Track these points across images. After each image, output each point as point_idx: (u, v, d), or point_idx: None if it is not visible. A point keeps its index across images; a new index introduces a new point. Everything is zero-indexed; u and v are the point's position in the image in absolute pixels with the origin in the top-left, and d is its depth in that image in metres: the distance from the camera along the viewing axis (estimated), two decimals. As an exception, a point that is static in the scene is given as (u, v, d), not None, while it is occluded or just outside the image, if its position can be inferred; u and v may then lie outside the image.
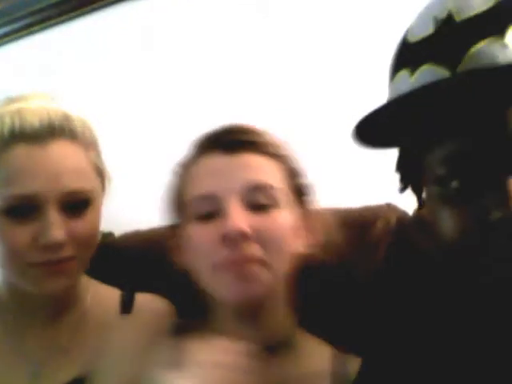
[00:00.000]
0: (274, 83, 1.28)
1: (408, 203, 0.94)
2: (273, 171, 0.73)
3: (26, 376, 0.81)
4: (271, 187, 0.71)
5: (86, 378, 0.77)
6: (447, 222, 0.59)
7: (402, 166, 0.67)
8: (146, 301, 0.87)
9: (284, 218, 0.71)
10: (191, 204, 0.72)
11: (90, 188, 0.79)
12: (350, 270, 0.86)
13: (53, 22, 1.59)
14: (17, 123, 0.75)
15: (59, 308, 0.84)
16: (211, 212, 0.70)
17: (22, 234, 0.74)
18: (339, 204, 0.96)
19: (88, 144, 0.80)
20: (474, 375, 0.60)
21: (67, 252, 0.76)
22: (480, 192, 0.56)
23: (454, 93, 0.55)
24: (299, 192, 0.76)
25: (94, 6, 1.52)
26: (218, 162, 0.72)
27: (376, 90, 1.13)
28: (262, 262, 0.68)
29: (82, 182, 0.78)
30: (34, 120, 0.75)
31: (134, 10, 1.47)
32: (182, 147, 1.34)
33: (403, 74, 0.60)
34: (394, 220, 0.91)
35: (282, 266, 0.70)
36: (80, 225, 0.77)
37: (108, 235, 1.09)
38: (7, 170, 0.75)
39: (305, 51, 1.25)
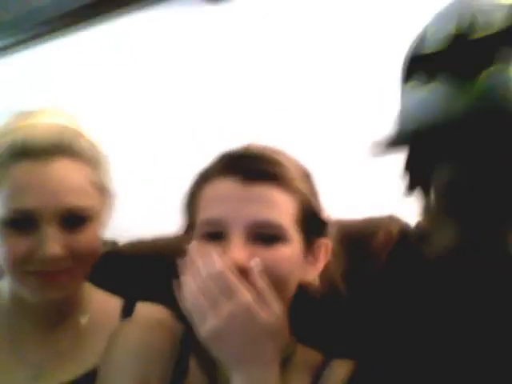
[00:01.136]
0: (280, 91, 1.29)
1: (410, 215, 0.95)
2: (285, 207, 0.73)
3: (25, 380, 0.83)
4: (280, 226, 0.72)
5: (86, 381, 0.81)
6: (446, 234, 0.60)
7: (409, 168, 0.68)
8: (145, 309, 0.88)
9: (288, 253, 0.72)
10: (199, 225, 0.74)
11: (90, 206, 0.82)
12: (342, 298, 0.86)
13: (59, 32, 1.61)
14: (22, 140, 0.79)
15: (60, 315, 0.87)
16: (216, 234, 0.72)
17: (22, 245, 0.78)
18: (341, 215, 0.97)
19: (91, 162, 0.83)
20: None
21: (64, 265, 0.79)
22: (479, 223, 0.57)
23: (466, 128, 0.55)
24: (311, 225, 0.77)
25: (100, 17, 1.55)
26: (231, 188, 0.72)
27: (379, 94, 1.15)
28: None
29: (81, 200, 0.80)
30: (38, 138, 0.79)
31: (140, 20, 1.50)
32: (185, 157, 1.36)
33: (416, 84, 0.60)
34: (395, 231, 0.92)
35: (281, 296, 0.72)
36: (79, 239, 0.80)
37: (112, 244, 1.10)
38: (12, 184, 0.79)
39: (306, 55, 1.27)
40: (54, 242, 0.77)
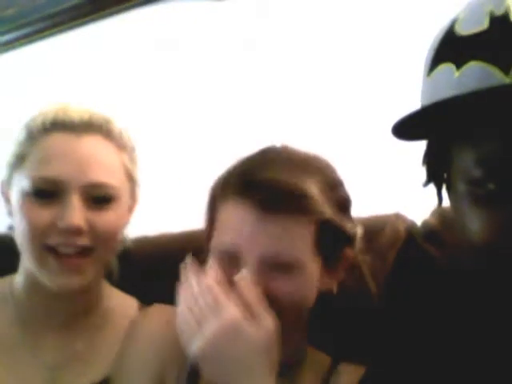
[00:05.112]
0: (285, 88, 1.29)
1: (417, 213, 0.95)
2: (303, 236, 0.70)
3: (42, 379, 0.81)
4: (295, 258, 0.69)
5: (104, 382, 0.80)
6: (478, 223, 0.57)
7: (429, 160, 0.65)
8: (161, 307, 0.87)
9: (304, 280, 0.70)
10: (215, 248, 0.72)
11: (115, 185, 0.81)
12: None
13: (64, 27, 1.61)
14: (59, 115, 0.81)
15: (76, 311, 0.85)
16: (231, 259, 0.70)
17: (44, 215, 0.77)
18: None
19: (122, 146, 0.84)
20: None
21: (84, 241, 0.78)
22: None
23: (507, 100, 0.52)
24: (330, 243, 0.73)
25: (105, 12, 1.54)
26: (247, 216, 0.69)
27: (382, 91, 1.15)
28: None
29: (108, 177, 0.80)
30: (74, 115, 0.81)
31: (145, 16, 1.49)
32: (190, 155, 1.36)
33: (446, 67, 0.57)
34: (402, 229, 0.91)
35: (298, 315, 0.71)
36: (100, 218, 0.79)
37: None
38: (41, 153, 0.79)
39: (311, 52, 1.27)
40: (76, 213, 0.76)
